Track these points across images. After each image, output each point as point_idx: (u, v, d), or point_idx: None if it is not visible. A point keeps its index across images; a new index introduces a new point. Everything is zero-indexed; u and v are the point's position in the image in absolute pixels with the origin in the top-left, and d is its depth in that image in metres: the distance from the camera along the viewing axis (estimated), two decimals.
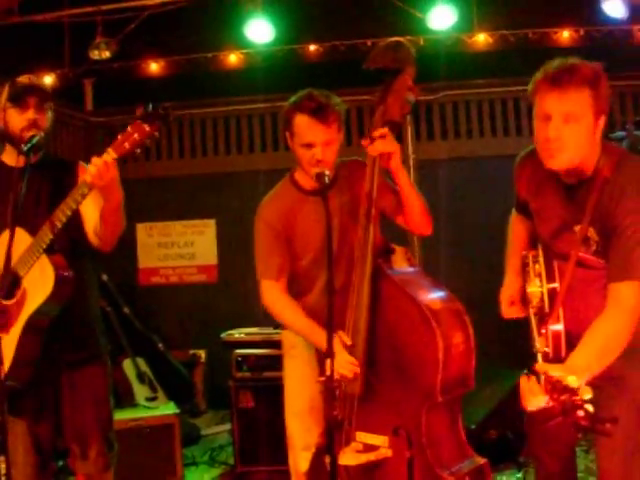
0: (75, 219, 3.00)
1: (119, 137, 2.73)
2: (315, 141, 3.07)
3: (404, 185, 3.07)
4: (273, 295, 3.24)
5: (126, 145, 2.71)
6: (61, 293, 2.95)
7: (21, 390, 2.99)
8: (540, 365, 2.35)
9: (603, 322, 2.45)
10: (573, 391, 2.07)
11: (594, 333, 2.44)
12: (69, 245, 3.05)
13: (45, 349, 3.02)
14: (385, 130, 2.94)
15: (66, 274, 2.96)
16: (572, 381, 2.09)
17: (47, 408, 3.13)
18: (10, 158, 3.15)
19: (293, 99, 3.17)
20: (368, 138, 2.98)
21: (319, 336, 2.94)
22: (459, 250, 7.03)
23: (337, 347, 2.84)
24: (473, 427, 4.80)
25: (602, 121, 2.51)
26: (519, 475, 4.78)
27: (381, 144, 2.94)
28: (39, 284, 2.93)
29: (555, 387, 2.12)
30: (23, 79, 3.12)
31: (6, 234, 2.89)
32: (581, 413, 2.03)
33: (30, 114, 3.05)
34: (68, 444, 3.19)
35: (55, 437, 3.20)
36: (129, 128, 2.70)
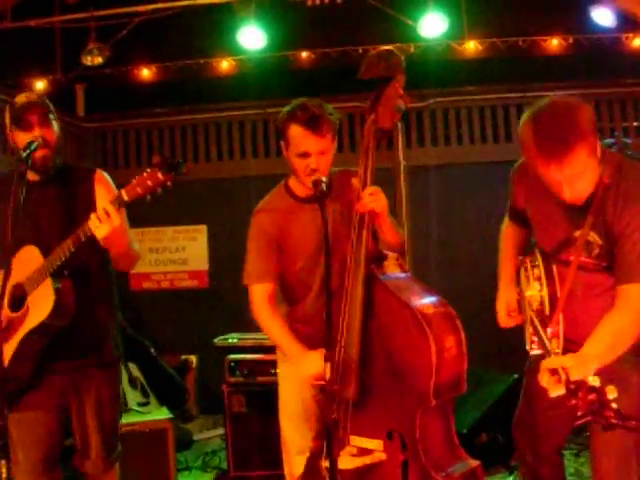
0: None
1: (133, 181, 2.78)
2: (310, 151, 3.09)
3: (387, 231, 3.10)
4: (260, 300, 3.25)
5: (138, 190, 2.76)
6: (57, 319, 3.02)
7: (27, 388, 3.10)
8: (554, 360, 2.37)
9: (613, 317, 2.53)
10: (600, 391, 2.12)
11: (605, 326, 2.51)
12: (81, 262, 3.07)
13: (49, 357, 3.11)
14: (373, 189, 2.94)
15: (65, 303, 3.02)
16: (595, 381, 2.14)
17: (55, 408, 3.19)
18: (32, 175, 3.17)
19: (287, 109, 3.18)
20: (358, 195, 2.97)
21: (291, 347, 3.08)
22: (449, 255, 7.07)
23: (313, 358, 2.90)
24: (464, 431, 4.83)
25: (598, 145, 2.53)
26: (510, 478, 4.82)
27: (371, 203, 2.94)
28: (39, 306, 3.01)
29: (580, 387, 2.16)
30: (20, 98, 3.15)
31: (24, 250, 3.03)
32: (610, 412, 2.09)
33: (35, 132, 3.09)
34: (74, 442, 3.28)
35: (62, 439, 3.27)
36: (144, 174, 2.75)
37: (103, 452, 3.25)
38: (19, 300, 3.07)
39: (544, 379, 2.36)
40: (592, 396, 2.13)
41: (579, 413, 2.15)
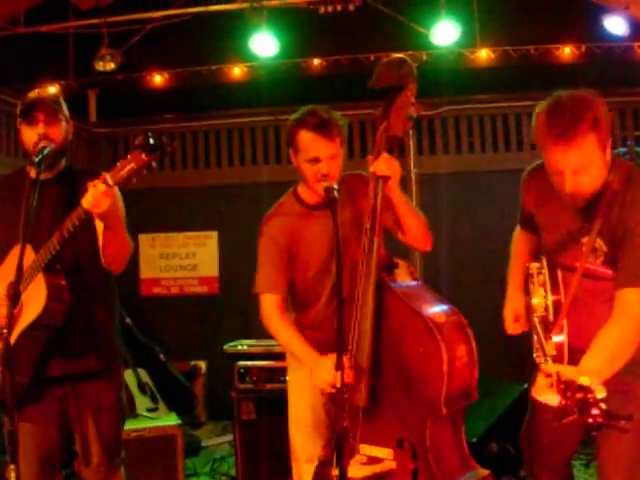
0: (91, 234, 3.03)
1: (117, 164, 2.73)
2: (320, 156, 3.09)
3: (399, 205, 3.08)
4: (270, 309, 3.23)
5: (123, 173, 2.70)
6: (51, 314, 2.97)
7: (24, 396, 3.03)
8: (551, 365, 2.35)
9: (612, 328, 2.49)
10: (587, 389, 2.12)
11: (603, 339, 2.47)
12: (76, 260, 3.04)
13: (47, 363, 3.06)
14: (390, 157, 2.96)
15: (58, 297, 2.97)
16: (585, 380, 2.13)
17: (54, 416, 3.14)
18: (34, 174, 3.11)
19: (295, 116, 3.18)
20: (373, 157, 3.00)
21: (309, 359, 3.03)
22: (460, 264, 7.05)
23: (327, 365, 2.85)
24: (474, 440, 4.81)
25: (610, 143, 2.53)
26: None
27: (383, 165, 2.96)
28: (33, 303, 2.96)
29: (569, 386, 2.16)
30: (32, 94, 3.14)
31: (17, 248, 2.89)
32: (596, 411, 2.08)
33: (40, 129, 3.06)
34: (76, 448, 3.22)
35: (65, 446, 3.21)
36: (128, 156, 2.71)
37: (104, 459, 3.19)
38: (15, 299, 2.93)
39: (538, 385, 2.34)
40: (579, 395, 2.12)
41: (565, 411, 2.16)
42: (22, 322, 3.00)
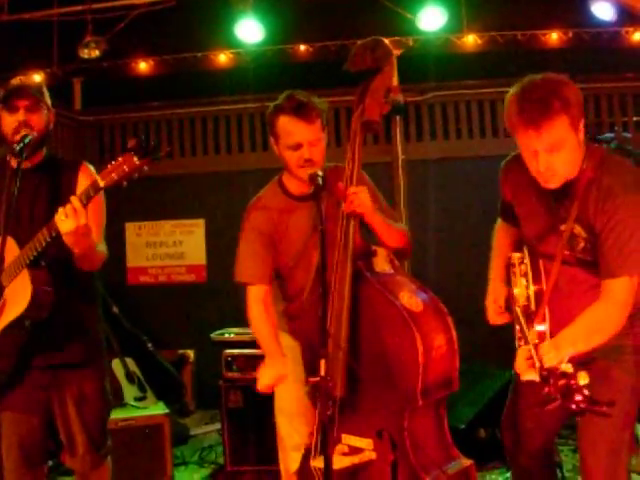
0: None
1: (109, 166, 2.70)
2: (301, 140, 3.05)
3: (380, 232, 3.07)
4: (252, 300, 3.24)
5: (114, 176, 2.68)
6: (36, 310, 2.96)
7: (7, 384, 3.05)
8: (531, 347, 2.39)
9: (595, 307, 2.56)
10: (570, 376, 2.16)
11: (585, 315, 2.54)
12: (59, 253, 2.98)
13: (30, 352, 3.06)
14: (354, 189, 2.93)
15: (43, 293, 2.95)
16: (567, 367, 2.18)
17: (37, 405, 3.13)
18: (15, 162, 3.08)
19: (274, 103, 3.16)
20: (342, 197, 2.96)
21: (268, 348, 3.17)
22: (447, 250, 7.04)
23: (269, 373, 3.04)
24: (462, 427, 4.82)
25: (582, 125, 2.55)
26: (508, 474, 4.80)
27: (353, 205, 2.92)
28: (17, 299, 2.95)
29: (551, 373, 2.18)
30: (15, 81, 3.12)
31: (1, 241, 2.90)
32: (579, 397, 2.12)
33: (20, 116, 3.04)
34: (62, 439, 3.22)
35: (48, 437, 3.20)
36: (120, 158, 2.68)
37: (90, 449, 3.20)
38: None
39: (518, 364, 2.40)
40: (562, 381, 2.17)
41: (549, 398, 2.18)
42: (6, 317, 2.98)
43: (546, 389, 2.20)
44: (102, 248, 3.12)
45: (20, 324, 2.98)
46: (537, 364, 2.28)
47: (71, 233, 2.75)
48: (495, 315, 2.98)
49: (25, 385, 3.10)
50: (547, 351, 2.34)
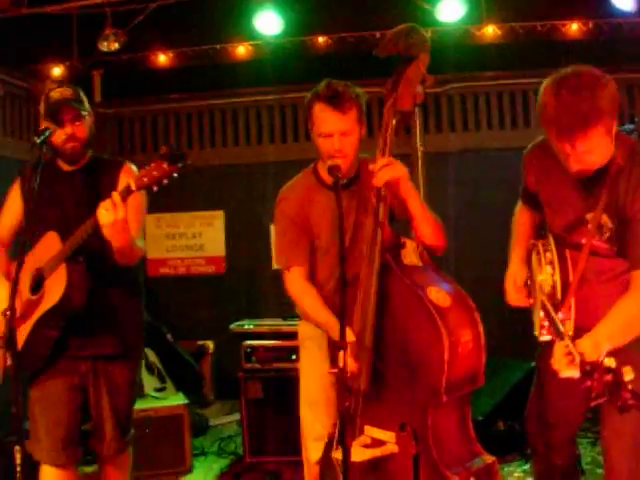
0: None
1: (141, 171, 2.87)
2: (332, 130, 3.01)
3: (416, 212, 2.97)
4: (296, 282, 3.22)
5: (145, 180, 2.83)
6: (68, 303, 3.12)
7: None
8: (568, 342, 2.35)
9: (627, 300, 2.55)
10: (616, 371, 2.12)
11: (618, 309, 2.52)
12: (100, 247, 3.12)
13: (65, 342, 3.23)
14: (386, 159, 2.87)
15: (77, 287, 3.11)
16: (611, 362, 2.14)
17: (75, 392, 3.32)
18: (63, 165, 3.36)
19: (314, 89, 3.13)
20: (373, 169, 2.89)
21: (333, 328, 2.88)
22: (467, 242, 7.02)
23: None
24: (480, 419, 4.82)
25: (616, 117, 2.52)
26: (526, 467, 4.80)
27: (387, 172, 2.85)
28: (53, 290, 3.13)
29: (595, 368, 2.15)
30: (55, 94, 3.26)
31: (46, 236, 3.18)
32: (626, 394, 2.09)
33: (67, 130, 3.24)
34: (92, 424, 3.41)
35: (80, 420, 3.38)
36: (152, 164, 2.83)
37: (116, 434, 3.37)
38: (39, 284, 3.19)
39: (557, 360, 2.36)
40: (608, 377, 2.13)
41: (593, 394, 2.15)
42: (42, 308, 3.18)
43: (589, 383, 2.16)
44: (140, 244, 3.28)
45: (55, 315, 3.14)
46: (577, 359, 2.25)
47: (109, 225, 2.90)
48: (515, 296, 2.95)
49: (66, 370, 3.28)
50: (586, 347, 2.30)
